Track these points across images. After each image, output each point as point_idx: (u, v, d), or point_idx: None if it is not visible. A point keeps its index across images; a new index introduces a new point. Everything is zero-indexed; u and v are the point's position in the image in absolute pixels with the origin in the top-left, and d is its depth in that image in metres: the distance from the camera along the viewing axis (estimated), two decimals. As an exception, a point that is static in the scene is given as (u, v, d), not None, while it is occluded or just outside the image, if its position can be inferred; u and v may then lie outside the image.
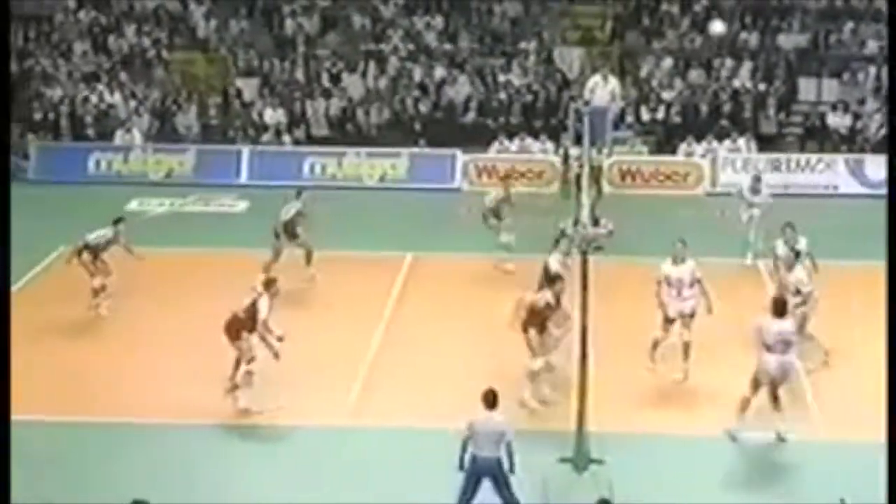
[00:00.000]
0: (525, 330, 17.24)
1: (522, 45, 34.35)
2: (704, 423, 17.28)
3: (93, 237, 21.03)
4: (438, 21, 35.10)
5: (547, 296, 17.33)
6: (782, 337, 16.09)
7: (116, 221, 21.50)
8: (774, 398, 16.37)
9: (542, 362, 17.27)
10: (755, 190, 24.20)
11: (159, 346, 19.70)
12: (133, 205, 28.55)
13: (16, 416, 14.66)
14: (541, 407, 17.23)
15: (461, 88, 33.18)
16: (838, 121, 31.91)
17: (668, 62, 33.59)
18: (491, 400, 14.12)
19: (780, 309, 16.30)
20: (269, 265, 21.69)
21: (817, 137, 31.82)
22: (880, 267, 20.88)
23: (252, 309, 17.40)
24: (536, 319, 17.20)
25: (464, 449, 14.01)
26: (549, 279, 17.76)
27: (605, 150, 27.87)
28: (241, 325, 17.43)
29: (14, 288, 21.56)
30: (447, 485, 14.20)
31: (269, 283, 17.85)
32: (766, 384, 16.29)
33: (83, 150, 31.49)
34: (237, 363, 17.57)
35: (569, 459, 15.20)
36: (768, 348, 16.08)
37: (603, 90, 29.46)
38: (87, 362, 19.37)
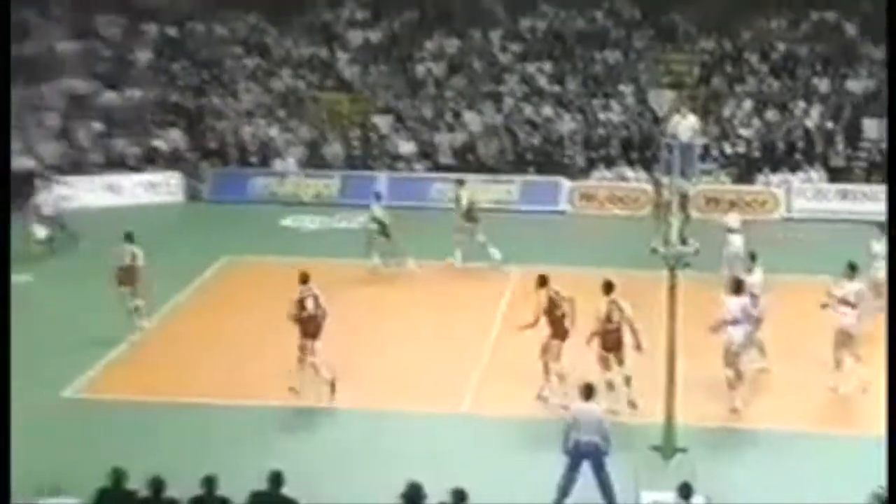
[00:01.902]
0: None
1: (620, 87, 34.20)
2: (780, 417, 17.08)
3: None
4: (548, 66, 35.08)
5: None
6: None
7: None
8: None
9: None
10: None
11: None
12: (287, 221, 28.98)
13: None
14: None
15: (567, 124, 33.12)
16: (900, 155, 31.32)
17: (748, 103, 33.23)
18: (588, 392, 14.20)
19: None
20: None
21: (880, 170, 31.22)
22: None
23: None
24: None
25: (567, 435, 14.06)
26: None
27: (692, 180, 27.65)
28: None
29: (187, 291, 21.96)
30: (551, 464, 14.25)
31: None
32: None
33: (246, 175, 31.98)
34: None
35: (657, 448, 15.15)
36: None
37: (683, 125, 29.22)
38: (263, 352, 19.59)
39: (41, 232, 22.45)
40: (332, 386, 17.76)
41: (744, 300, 17.38)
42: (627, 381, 17.29)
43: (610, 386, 17.10)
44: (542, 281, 18.12)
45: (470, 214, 25.06)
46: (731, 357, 17.29)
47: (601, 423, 14.02)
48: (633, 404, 17.23)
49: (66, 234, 26.44)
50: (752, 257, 19.35)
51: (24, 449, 13.91)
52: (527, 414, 17.34)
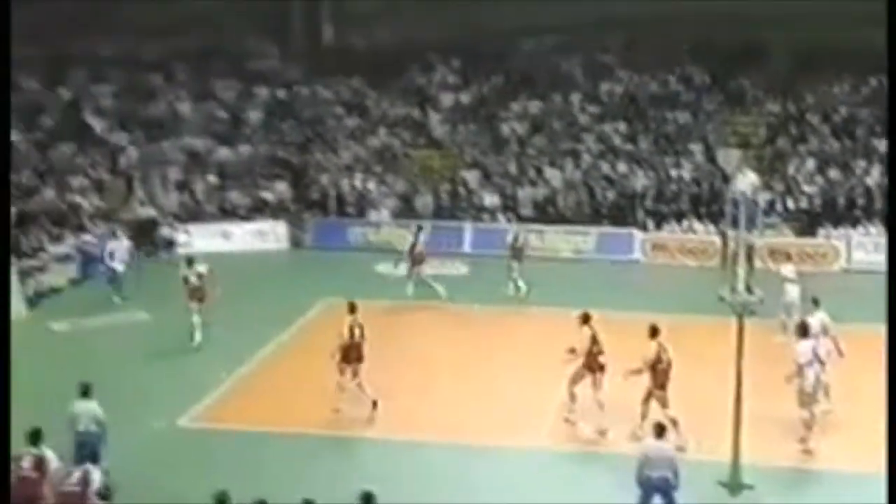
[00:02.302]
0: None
1: (690, 146, 33.92)
2: (845, 457, 16.75)
3: None
4: (623, 127, 34.95)
5: None
6: None
7: None
8: None
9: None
10: None
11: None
12: (381, 268, 29.06)
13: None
14: None
15: (640, 180, 32.92)
16: (956, 211, 30.73)
17: (811, 162, 32.81)
18: (659, 431, 14.10)
19: None
20: None
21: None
22: None
23: None
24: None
25: (640, 470, 13.95)
26: None
27: (757, 233, 27.30)
28: None
29: (291, 330, 22.17)
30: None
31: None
32: None
33: (345, 224, 32.04)
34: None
35: (725, 484, 14.95)
36: None
37: (743, 182, 28.91)
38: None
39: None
40: (375, 404, 18.30)
41: (812, 342, 17.17)
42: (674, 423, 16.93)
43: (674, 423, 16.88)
44: (586, 318, 18.24)
45: (515, 252, 26.26)
46: (806, 398, 16.93)
47: (672, 459, 13.93)
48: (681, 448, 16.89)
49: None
50: (815, 303, 19.18)
51: (142, 472, 14.11)
52: (596, 449, 17.17)
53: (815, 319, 18.76)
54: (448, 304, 24.87)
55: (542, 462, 16.92)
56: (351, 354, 18.29)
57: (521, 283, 25.85)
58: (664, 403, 17.00)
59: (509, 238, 27.29)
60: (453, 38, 37.58)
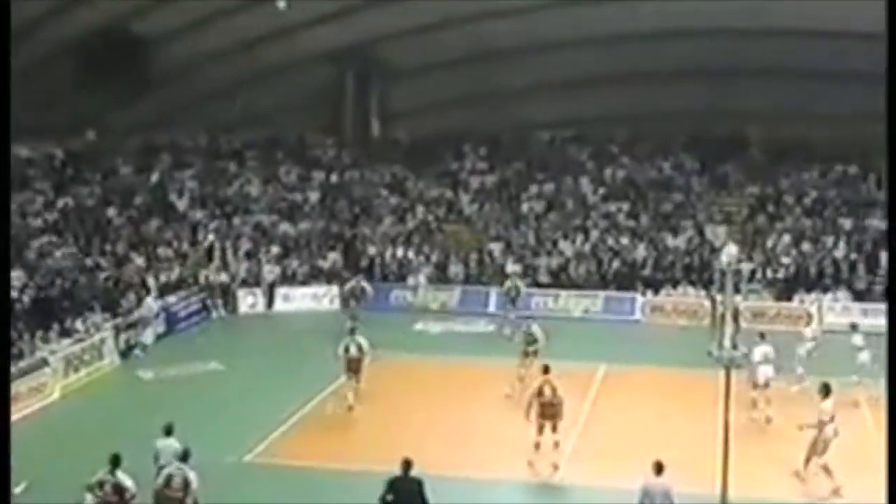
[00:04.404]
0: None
1: (683, 223, 33.98)
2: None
3: None
4: (625, 206, 35.06)
5: None
6: None
7: None
8: None
9: None
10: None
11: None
12: (418, 326, 29.09)
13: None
14: None
15: (640, 252, 32.96)
16: (912, 281, 30.48)
17: (786, 237, 32.74)
18: (659, 468, 13.90)
19: None
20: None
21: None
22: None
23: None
24: None
25: (640, 503, 13.77)
26: None
27: (741, 297, 27.19)
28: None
29: (342, 378, 22.12)
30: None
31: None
32: None
33: (387, 288, 31.88)
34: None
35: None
36: None
37: (728, 254, 28.83)
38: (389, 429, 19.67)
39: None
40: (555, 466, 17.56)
41: (833, 400, 16.72)
42: (556, 444, 17.33)
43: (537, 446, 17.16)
44: (546, 370, 17.94)
45: (509, 296, 27.21)
46: (821, 447, 16.58)
47: (668, 493, 13.72)
48: (555, 466, 17.22)
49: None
50: (762, 336, 20.42)
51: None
52: (606, 484, 17.02)
53: (760, 350, 19.58)
54: (473, 358, 24.73)
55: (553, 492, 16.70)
56: (546, 412, 17.33)
57: (506, 330, 25.78)
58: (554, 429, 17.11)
59: (505, 286, 27.75)
60: (481, 130, 37.88)
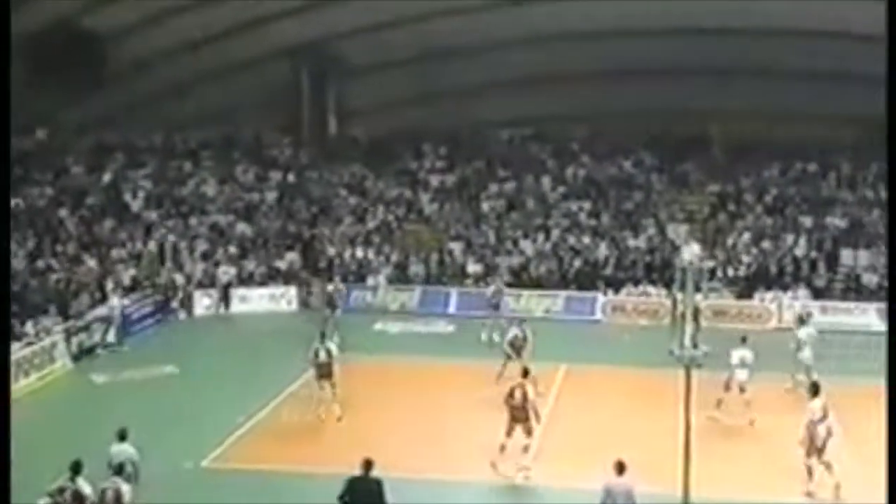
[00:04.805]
0: None
1: (644, 222, 34.22)
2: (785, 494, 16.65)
3: None
4: (587, 205, 35.23)
5: None
6: None
7: None
8: None
9: None
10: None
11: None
12: (378, 326, 29.04)
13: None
14: None
15: (601, 251, 33.14)
16: (870, 279, 30.94)
17: (746, 235, 33.09)
18: (620, 468, 13.97)
19: None
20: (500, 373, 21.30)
21: (854, 291, 30.84)
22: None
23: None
24: None
25: (602, 503, 13.85)
26: None
27: (702, 296, 27.36)
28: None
29: (299, 381, 21.97)
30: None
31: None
32: None
33: (347, 289, 31.29)
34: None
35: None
36: None
37: (689, 252, 29.12)
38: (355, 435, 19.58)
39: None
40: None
41: (823, 400, 16.75)
42: (525, 448, 17.30)
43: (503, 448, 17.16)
44: (525, 373, 18.07)
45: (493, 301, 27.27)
46: (813, 449, 16.56)
47: (629, 493, 13.80)
48: (525, 469, 17.23)
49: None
50: (743, 340, 20.40)
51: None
52: (569, 484, 17.09)
53: (738, 354, 19.79)
54: (433, 359, 24.75)
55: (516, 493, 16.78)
56: (517, 415, 17.23)
57: (494, 335, 25.70)
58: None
59: (488, 293, 27.50)
60: (440, 128, 37.87)
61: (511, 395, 17.42)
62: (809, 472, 16.69)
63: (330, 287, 28.35)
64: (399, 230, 34.91)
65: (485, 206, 35.58)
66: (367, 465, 13.29)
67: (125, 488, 13.43)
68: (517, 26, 33.73)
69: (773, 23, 32.01)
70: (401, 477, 16.72)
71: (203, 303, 30.82)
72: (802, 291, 30.56)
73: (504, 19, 33.84)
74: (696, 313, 24.41)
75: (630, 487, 13.79)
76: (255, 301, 31.49)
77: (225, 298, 31.16)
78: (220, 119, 37.44)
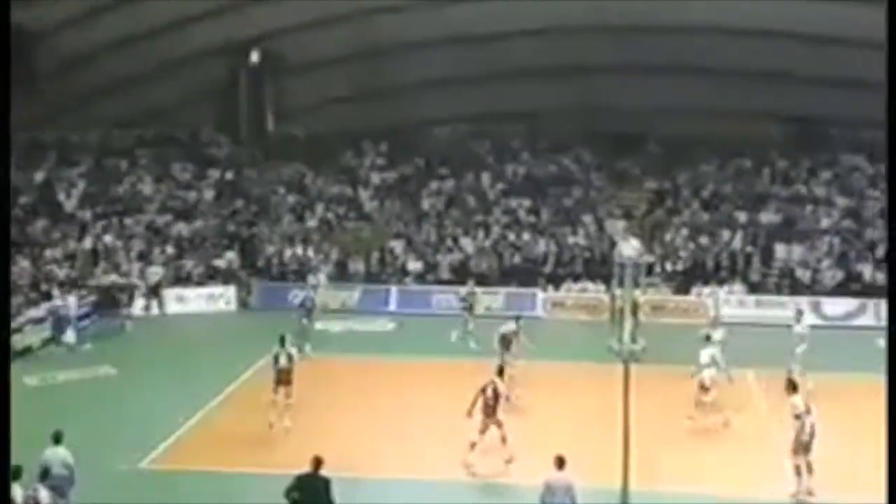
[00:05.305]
0: None
1: (583, 218, 34.51)
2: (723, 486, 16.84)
3: None
4: (526, 202, 35.42)
5: None
6: None
7: None
8: None
9: None
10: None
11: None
12: (318, 325, 28.83)
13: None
14: None
15: (541, 248, 33.35)
16: (803, 273, 31.54)
17: (684, 231, 33.53)
18: (560, 462, 14.06)
19: None
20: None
21: (788, 284, 31.41)
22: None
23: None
24: None
25: (542, 499, 13.93)
26: None
27: (640, 291, 27.62)
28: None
29: (239, 381, 21.80)
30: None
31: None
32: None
33: (286, 288, 31.37)
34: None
35: (616, 507, 15.02)
36: None
37: (627, 248, 29.38)
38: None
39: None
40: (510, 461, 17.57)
41: (803, 395, 16.65)
42: (503, 439, 17.46)
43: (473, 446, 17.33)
44: (500, 372, 18.32)
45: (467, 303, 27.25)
46: (799, 446, 16.25)
47: (570, 487, 13.90)
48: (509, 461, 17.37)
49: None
50: (708, 338, 20.73)
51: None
52: (507, 480, 17.18)
53: (706, 353, 19.89)
54: (374, 357, 24.71)
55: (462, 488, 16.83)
56: (489, 412, 17.43)
57: (472, 343, 25.72)
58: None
59: (463, 292, 27.42)
60: (380, 126, 37.80)
61: (484, 391, 17.53)
62: (797, 471, 16.32)
63: (301, 294, 27.59)
64: (340, 228, 34.80)
65: (425, 204, 35.62)
66: (317, 462, 13.25)
67: (43, 493, 13.19)
68: (454, 24, 33.81)
69: (711, 20, 32.42)
70: (347, 476, 16.77)
71: (139, 303, 30.40)
72: (738, 286, 31.05)
73: (441, 17, 33.87)
74: (635, 308, 24.88)
75: (570, 482, 13.90)
76: (192, 301, 31.19)
77: (156, 298, 30.65)
78: (157, 117, 36.98)
